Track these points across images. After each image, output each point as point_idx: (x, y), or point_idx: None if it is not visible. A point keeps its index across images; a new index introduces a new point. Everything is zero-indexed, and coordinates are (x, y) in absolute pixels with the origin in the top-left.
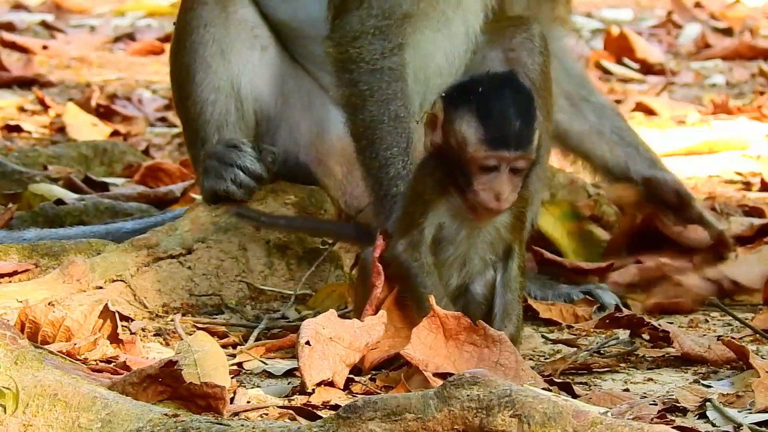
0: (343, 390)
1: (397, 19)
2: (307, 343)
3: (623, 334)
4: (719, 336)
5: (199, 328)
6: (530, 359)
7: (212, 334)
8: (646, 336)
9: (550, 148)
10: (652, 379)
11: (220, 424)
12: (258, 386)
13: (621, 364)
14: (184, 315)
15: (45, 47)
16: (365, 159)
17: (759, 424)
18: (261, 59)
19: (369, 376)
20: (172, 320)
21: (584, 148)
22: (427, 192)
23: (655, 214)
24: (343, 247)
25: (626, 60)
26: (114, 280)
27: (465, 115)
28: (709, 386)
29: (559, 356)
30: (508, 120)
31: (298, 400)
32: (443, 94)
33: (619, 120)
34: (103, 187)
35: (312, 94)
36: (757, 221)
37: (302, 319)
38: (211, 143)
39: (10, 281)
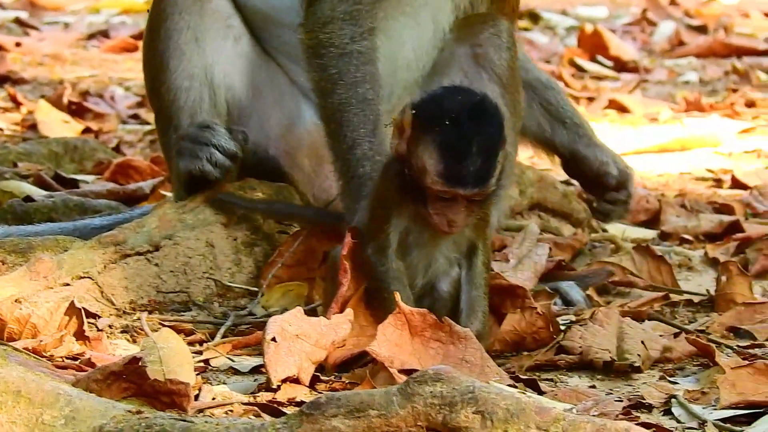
0: (309, 387)
1: (368, 4)
2: (273, 339)
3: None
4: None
5: (165, 326)
6: (496, 356)
7: (179, 331)
8: None
9: (517, 145)
10: (618, 376)
11: (184, 420)
12: (224, 383)
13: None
14: (151, 312)
15: (18, 44)
16: (334, 142)
17: (724, 420)
18: (234, 49)
19: (334, 373)
20: (138, 318)
21: None
22: (391, 197)
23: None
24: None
25: (600, 57)
26: (81, 277)
27: (429, 144)
28: (674, 383)
29: (525, 353)
30: (468, 159)
31: (264, 396)
32: (414, 109)
33: (553, 94)
34: (73, 184)
35: (283, 88)
36: (727, 218)
37: (269, 316)
38: (183, 129)
39: None
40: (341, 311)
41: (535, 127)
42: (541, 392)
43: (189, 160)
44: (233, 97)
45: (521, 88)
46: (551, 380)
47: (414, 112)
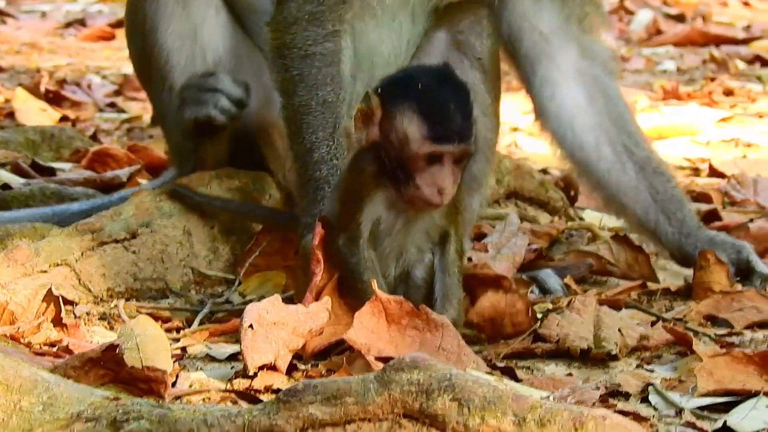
0: (286, 375)
1: (333, 6)
2: (251, 326)
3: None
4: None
5: (142, 313)
6: (473, 343)
7: (156, 318)
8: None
9: (498, 133)
10: (595, 364)
11: (161, 407)
12: (201, 370)
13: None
14: (128, 299)
15: None
16: (293, 143)
17: (701, 408)
18: (217, 18)
19: (311, 362)
20: (116, 306)
21: (620, 202)
22: (362, 187)
23: None
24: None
25: None
26: (58, 265)
27: (406, 111)
28: (651, 371)
29: (501, 341)
30: (450, 115)
31: (240, 383)
32: (379, 90)
33: (660, 179)
34: (51, 172)
35: (262, 66)
36: (705, 207)
37: (246, 303)
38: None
39: None
40: (315, 300)
41: (640, 213)
42: (517, 380)
43: (194, 107)
44: (220, 60)
45: (500, 74)
46: (528, 368)
47: (380, 93)
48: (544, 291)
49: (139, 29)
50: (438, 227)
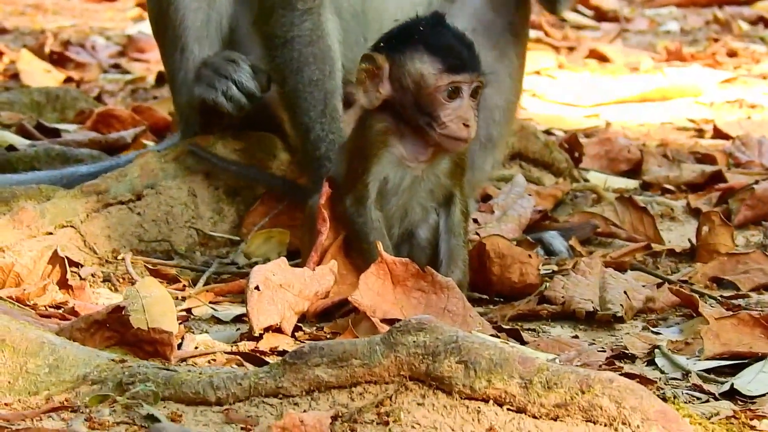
0: (291, 337)
1: None
2: (257, 288)
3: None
4: (661, 283)
5: (149, 269)
6: (478, 305)
7: (163, 276)
8: None
9: (521, 94)
10: (600, 326)
11: (167, 369)
12: (206, 332)
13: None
14: (133, 262)
15: None
16: (291, 128)
17: (707, 371)
18: None
19: (316, 323)
20: (122, 260)
21: None
22: (368, 146)
23: None
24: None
25: (580, 7)
26: (64, 226)
27: (415, 53)
28: (658, 333)
29: (507, 302)
30: (459, 47)
31: (246, 345)
32: (381, 46)
33: None
34: (55, 133)
35: None
36: (709, 168)
37: (251, 265)
38: (190, 51)
39: None
40: (320, 260)
41: None
42: (523, 342)
43: (205, 88)
44: (237, 25)
45: (527, 41)
46: (534, 330)
47: (383, 47)
48: (549, 253)
49: None
50: (443, 187)
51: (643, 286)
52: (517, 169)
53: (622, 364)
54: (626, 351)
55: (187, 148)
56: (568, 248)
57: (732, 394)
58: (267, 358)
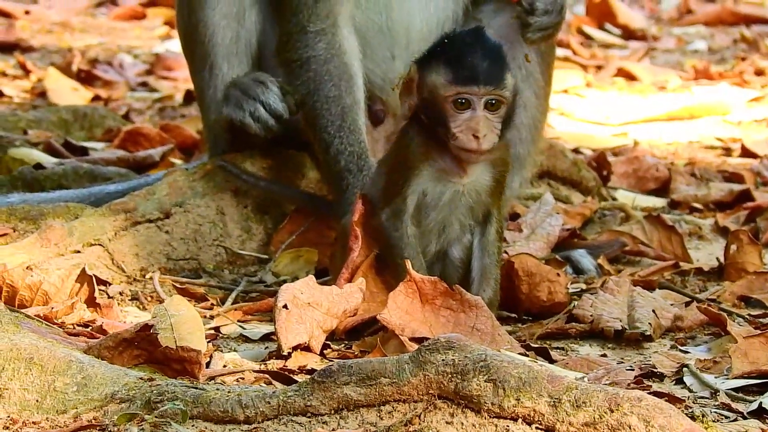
0: (320, 355)
1: (312, 7)
2: (285, 306)
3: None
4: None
5: (177, 288)
6: (507, 324)
7: (191, 294)
8: None
9: (547, 113)
10: (629, 345)
11: (196, 388)
12: (234, 350)
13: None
14: (161, 281)
15: (27, 12)
16: (314, 146)
17: (735, 389)
18: (261, 3)
19: (345, 341)
20: (150, 279)
21: None
22: (409, 159)
23: None
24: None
25: (608, 25)
26: (92, 244)
27: (434, 64)
28: (686, 352)
29: (536, 321)
30: (474, 59)
31: (274, 364)
32: (416, 59)
33: None
34: (83, 151)
35: None
36: (737, 187)
37: (279, 283)
38: (219, 69)
39: None
40: (351, 277)
41: None
42: (552, 361)
43: (233, 108)
44: (265, 43)
45: (554, 58)
46: (562, 349)
47: (417, 60)
48: (578, 271)
49: (188, 4)
50: (483, 205)
51: (672, 304)
52: (546, 188)
53: (650, 383)
54: (654, 370)
55: (217, 164)
56: (596, 266)
57: (760, 413)
58: (295, 377)
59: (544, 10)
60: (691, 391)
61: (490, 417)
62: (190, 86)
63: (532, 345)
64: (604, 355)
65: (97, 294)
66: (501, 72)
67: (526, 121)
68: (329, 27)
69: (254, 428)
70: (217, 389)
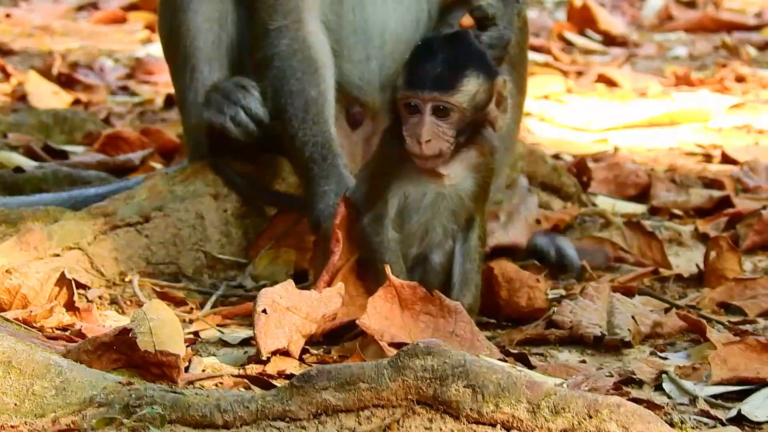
0: (299, 360)
1: (274, 2)
2: (264, 311)
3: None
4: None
5: (157, 292)
6: (486, 329)
7: (170, 299)
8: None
9: (519, 126)
10: (608, 351)
11: (174, 392)
12: (213, 355)
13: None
14: (140, 284)
15: (8, 15)
16: (283, 140)
17: (715, 396)
18: (243, 4)
19: (324, 345)
20: (130, 282)
21: None
22: (389, 162)
23: None
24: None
25: (589, 31)
26: (71, 248)
27: (402, 69)
28: (665, 358)
29: (515, 326)
30: (428, 63)
31: (253, 369)
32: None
33: None
34: (63, 155)
35: None
36: (717, 193)
37: (259, 288)
38: (200, 72)
39: None
40: (331, 281)
41: None
42: (531, 366)
43: (214, 112)
44: (244, 46)
45: (527, 67)
46: (541, 354)
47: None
48: (561, 259)
49: (171, 7)
50: (466, 210)
51: (651, 311)
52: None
53: (629, 389)
54: (634, 376)
55: (211, 163)
56: (579, 260)
57: (739, 420)
58: (274, 382)
59: (488, 45)
60: (670, 397)
61: (469, 423)
62: (171, 90)
63: (512, 351)
64: (584, 361)
65: (76, 298)
66: (453, 79)
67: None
68: (292, 23)
69: None
70: (196, 394)
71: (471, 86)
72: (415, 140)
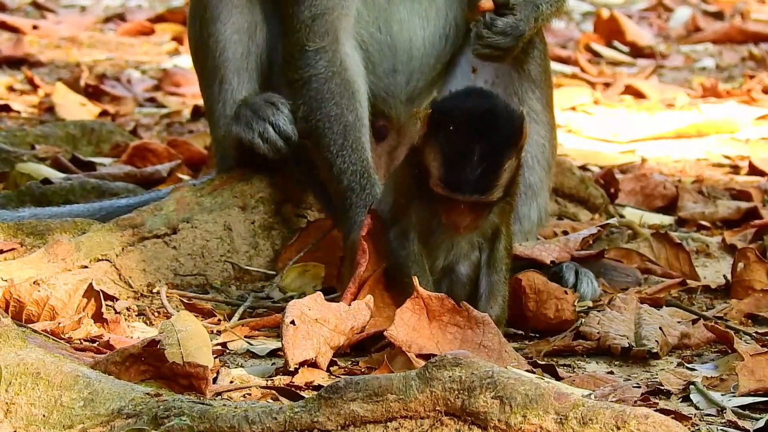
0: (326, 372)
1: (311, 25)
2: (292, 322)
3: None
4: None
5: (184, 303)
6: (514, 341)
7: (198, 310)
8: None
9: (554, 141)
10: (635, 362)
11: (203, 404)
12: (241, 366)
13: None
14: (168, 295)
15: (35, 27)
16: (318, 165)
17: (742, 407)
18: (274, 17)
19: (352, 357)
20: (158, 294)
21: None
22: (410, 184)
23: None
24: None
25: (616, 43)
26: (99, 260)
27: (434, 148)
28: (693, 369)
29: (543, 338)
30: (467, 167)
31: (281, 380)
32: (432, 107)
33: None
34: (90, 166)
35: None
36: (744, 205)
37: (287, 299)
38: (229, 83)
39: None
40: (358, 292)
41: None
42: (558, 378)
43: (243, 128)
44: (274, 59)
45: (552, 83)
46: (569, 366)
47: (431, 110)
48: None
49: (200, 18)
50: (491, 223)
51: (679, 322)
52: (553, 205)
53: (657, 400)
54: (661, 387)
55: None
56: (596, 293)
57: (766, 431)
58: (302, 393)
59: (501, 30)
60: (697, 408)
61: None
62: (198, 102)
63: (539, 362)
64: (611, 373)
65: (104, 309)
66: (492, 180)
67: (533, 152)
68: (329, 44)
69: None
70: (224, 405)
71: (506, 174)
72: (452, 222)
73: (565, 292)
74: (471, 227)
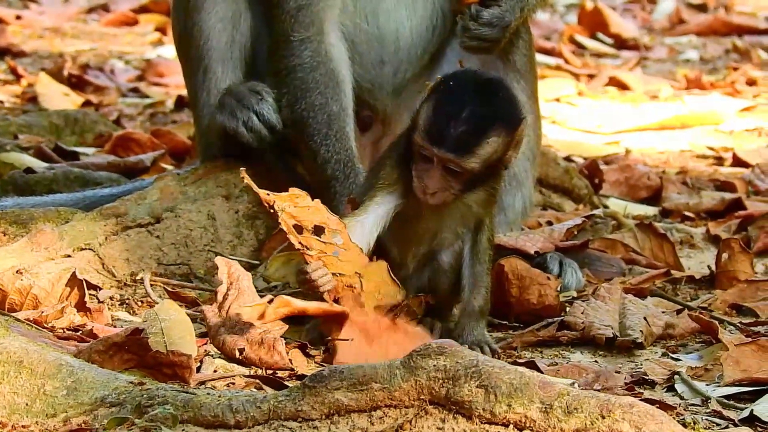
0: (306, 358)
1: (296, 15)
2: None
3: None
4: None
5: (168, 292)
6: (497, 331)
7: (182, 299)
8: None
9: (539, 131)
10: (620, 352)
11: (186, 392)
12: None
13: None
14: (152, 285)
15: (18, 17)
16: (300, 150)
17: (727, 397)
18: (258, 6)
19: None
20: (141, 283)
21: None
22: (388, 169)
23: None
24: None
25: (600, 35)
26: (82, 249)
27: (426, 104)
28: (677, 359)
29: (526, 327)
30: (453, 122)
31: (265, 369)
32: (438, 80)
33: None
34: (74, 156)
35: None
36: (728, 196)
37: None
38: (213, 73)
39: None
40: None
41: None
42: (540, 372)
43: (227, 116)
44: (259, 48)
45: (536, 74)
46: (554, 356)
47: (437, 80)
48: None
49: (184, 7)
50: (474, 215)
51: (663, 312)
52: (537, 195)
53: (641, 390)
54: (646, 377)
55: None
56: (580, 283)
57: (752, 420)
58: (286, 382)
59: (487, 21)
60: (682, 398)
61: (482, 423)
62: (182, 92)
63: (519, 361)
64: (596, 363)
65: (87, 298)
66: (472, 143)
67: None
68: (314, 35)
69: None
70: (208, 394)
71: (489, 149)
72: (421, 185)
73: (548, 278)
74: (438, 199)
